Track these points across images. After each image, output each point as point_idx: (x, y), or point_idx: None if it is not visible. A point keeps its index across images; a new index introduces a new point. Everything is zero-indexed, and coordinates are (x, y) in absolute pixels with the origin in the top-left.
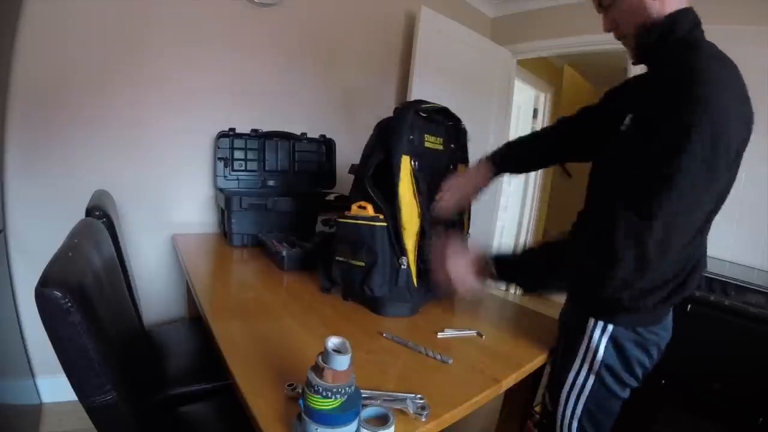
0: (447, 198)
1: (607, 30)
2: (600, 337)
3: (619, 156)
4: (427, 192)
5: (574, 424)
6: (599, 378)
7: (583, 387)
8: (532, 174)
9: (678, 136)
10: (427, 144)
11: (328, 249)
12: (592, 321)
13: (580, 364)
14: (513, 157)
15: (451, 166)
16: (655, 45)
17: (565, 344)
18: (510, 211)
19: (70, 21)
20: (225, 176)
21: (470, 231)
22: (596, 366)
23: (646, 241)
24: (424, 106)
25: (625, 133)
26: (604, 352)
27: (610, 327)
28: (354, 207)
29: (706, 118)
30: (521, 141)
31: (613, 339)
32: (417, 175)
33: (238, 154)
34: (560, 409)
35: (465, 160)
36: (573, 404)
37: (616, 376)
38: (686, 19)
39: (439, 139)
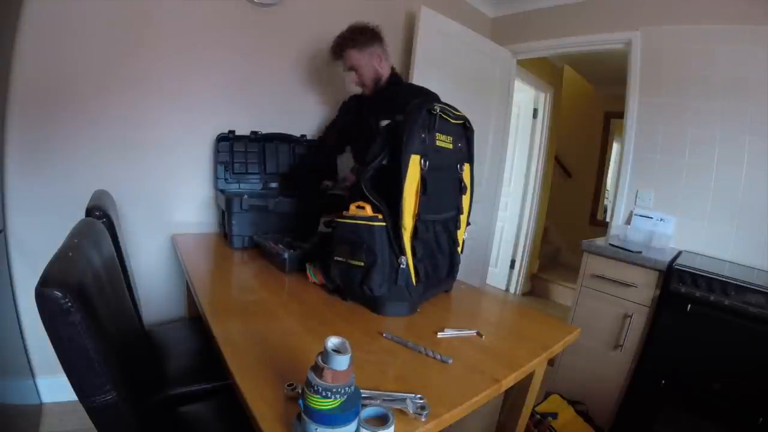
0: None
1: (353, 82)
2: None
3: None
4: (433, 192)
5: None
6: None
7: None
8: (532, 174)
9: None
10: (438, 143)
11: (327, 249)
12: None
13: None
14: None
15: (459, 166)
16: (385, 89)
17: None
18: (510, 211)
19: (70, 21)
20: (226, 179)
21: (469, 229)
22: None
23: None
24: (436, 104)
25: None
26: None
27: None
28: (352, 207)
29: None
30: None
31: None
32: (426, 175)
33: (238, 158)
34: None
35: (471, 159)
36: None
37: None
38: (394, 76)
39: (449, 138)
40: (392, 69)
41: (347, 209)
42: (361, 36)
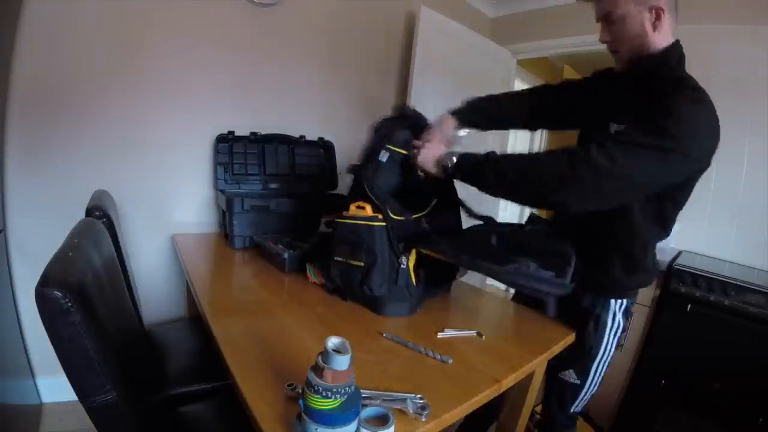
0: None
1: (603, 41)
2: (619, 311)
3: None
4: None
5: (599, 382)
6: (618, 341)
7: (610, 354)
8: None
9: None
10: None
11: (326, 249)
12: (612, 301)
13: (608, 337)
14: (477, 115)
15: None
16: (648, 70)
17: (587, 326)
18: (510, 211)
19: (69, 21)
20: (225, 180)
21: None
22: (618, 332)
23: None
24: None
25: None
26: (623, 320)
27: (625, 302)
28: (352, 207)
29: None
30: (486, 100)
31: (624, 311)
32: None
33: (237, 158)
34: (591, 378)
35: None
36: (602, 370)
37: (623, 333)
38: (675, 53)
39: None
40: (674, 44)
41: (347, 209)
42: None
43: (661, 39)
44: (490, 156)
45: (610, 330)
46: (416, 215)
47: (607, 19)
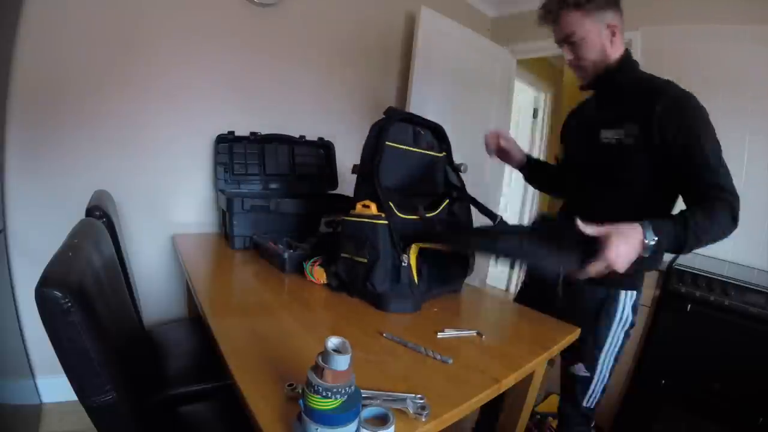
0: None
1: (569, 60)
2: (629, 303)
3: (633, 160)
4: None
5: (608, 374)
6: (626, 334)
7: (617, 345)
8: None
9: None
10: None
11: (326, 249)
12: (622, 293)
13: (616, 328)
14: (535, 174)
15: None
16: (612, 77)
17: (596, 319)
18: (510, 211)
19: (70, 21)
20: (225, 180)
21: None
22: (627, 326)
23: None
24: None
25: (621, 143)
26: (631, 314)
27: (633, 294)
28: (358, 206)
29: (707, 120)
30: (545, 166)
31: (632, 306)
32: None
33: (238, 158)
34: (600, 369)
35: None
36: (611, 362)
37: (632, 327)
38: (630, 59)
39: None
40: (626, 51)
41: (353, 208)
42: None
43: (616, 51)
44: (691, 229)
45: (619, 321)
46: (429, 214)
47: (568, 41)
